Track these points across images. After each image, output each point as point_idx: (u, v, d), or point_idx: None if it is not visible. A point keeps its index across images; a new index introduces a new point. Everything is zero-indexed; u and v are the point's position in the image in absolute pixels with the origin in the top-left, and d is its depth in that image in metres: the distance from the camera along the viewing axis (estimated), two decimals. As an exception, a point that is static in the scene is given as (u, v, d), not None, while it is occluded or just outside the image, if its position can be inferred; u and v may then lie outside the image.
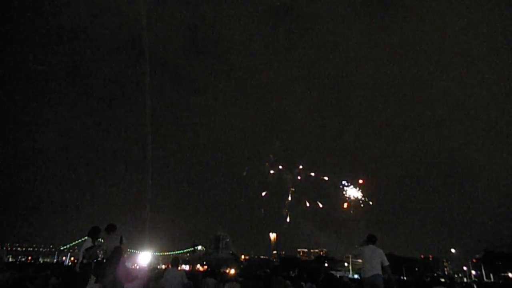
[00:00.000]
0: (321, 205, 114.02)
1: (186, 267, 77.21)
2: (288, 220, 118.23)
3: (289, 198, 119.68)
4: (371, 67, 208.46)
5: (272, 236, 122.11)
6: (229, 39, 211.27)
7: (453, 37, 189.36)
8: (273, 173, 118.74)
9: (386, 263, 6.17)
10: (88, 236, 5.92)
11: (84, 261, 5.07)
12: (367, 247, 6.41)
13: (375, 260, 6.16)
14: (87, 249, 5.13)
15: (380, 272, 6.06)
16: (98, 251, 5.10)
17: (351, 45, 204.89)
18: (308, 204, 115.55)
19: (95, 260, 4.97)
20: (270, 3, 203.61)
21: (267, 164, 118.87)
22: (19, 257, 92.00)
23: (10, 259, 76.31)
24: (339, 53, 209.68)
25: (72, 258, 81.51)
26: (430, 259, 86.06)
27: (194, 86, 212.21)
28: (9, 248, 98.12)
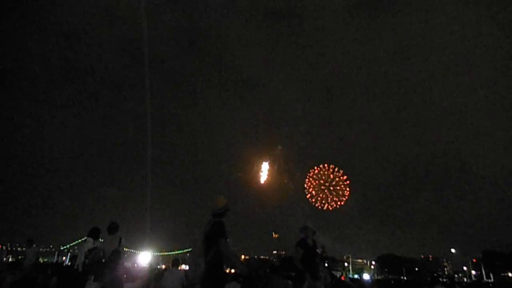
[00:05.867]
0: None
1: (186, 267, 77.20)
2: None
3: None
4: (369, 68, 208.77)
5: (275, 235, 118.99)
6: (228, 41, 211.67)
7: (452, 37, 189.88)
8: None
9: None
10: (88, 236, 5.94)
11: (86, 261, 5.14)
12: None
13: None
14: (89, 250, 5.19)
15: None
16: (100, 253, 5.17)
17: (347, 46, 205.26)
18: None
19: (96, 261, 5.04)
20: (267, 5, 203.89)
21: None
22: (19, 257, 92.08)
23: (10, 259, 76.40)
24: (336, 53, 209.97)
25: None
26: (430, 259, 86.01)
27: (193, 86, 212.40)
28: (9, 248, 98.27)
